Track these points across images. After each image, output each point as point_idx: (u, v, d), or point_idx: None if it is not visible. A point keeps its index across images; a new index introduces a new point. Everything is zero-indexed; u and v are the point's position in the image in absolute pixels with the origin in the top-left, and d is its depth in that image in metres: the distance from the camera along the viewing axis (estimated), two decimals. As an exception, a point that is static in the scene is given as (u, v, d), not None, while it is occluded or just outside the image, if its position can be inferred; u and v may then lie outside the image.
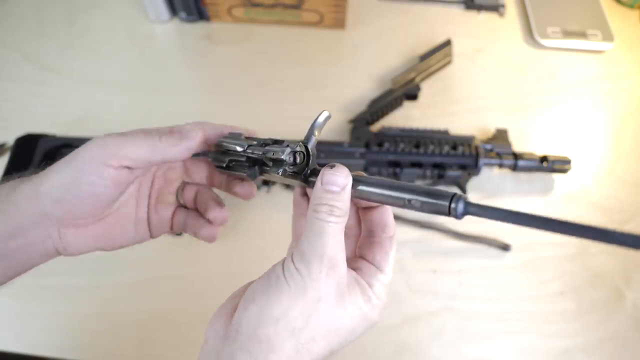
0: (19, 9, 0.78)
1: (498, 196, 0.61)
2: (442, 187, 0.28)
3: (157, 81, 0.71)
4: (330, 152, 0.59)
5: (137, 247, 0.55)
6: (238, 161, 0.32)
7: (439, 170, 0.58)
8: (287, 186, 0.59)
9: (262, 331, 0.24)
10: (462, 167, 0.59)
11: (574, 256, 0.57)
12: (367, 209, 0.30)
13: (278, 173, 0.29)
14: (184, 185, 0.38)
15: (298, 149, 0.30)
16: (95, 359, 0.50)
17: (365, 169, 0.60)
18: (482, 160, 0.58)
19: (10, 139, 0.62)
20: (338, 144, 0.59)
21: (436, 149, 0.58)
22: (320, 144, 0.59)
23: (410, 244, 0.57)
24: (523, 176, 0.62)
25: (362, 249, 0.30)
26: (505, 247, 0.56)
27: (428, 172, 0.59)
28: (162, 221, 0.36)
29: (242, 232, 0.57)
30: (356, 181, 0.27)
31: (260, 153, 0.31)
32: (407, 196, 0.25)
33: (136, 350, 0.51)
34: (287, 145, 0.29)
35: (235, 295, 0.28)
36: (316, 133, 0.30)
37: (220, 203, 0.36)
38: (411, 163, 0.59)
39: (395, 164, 0.59)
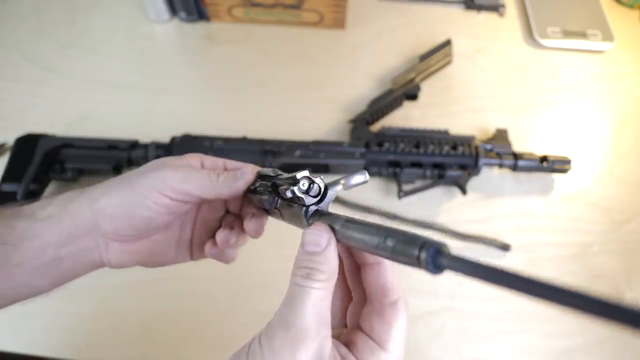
0: (19, 9, 0.78)
1: (498, 196, 0.61)
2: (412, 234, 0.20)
3: (157, 81, 0.71)
4: (330, 152, 0.59)
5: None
6: (264, 185, 0.32)
7: (439, 170, 0.58)
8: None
9: None
10: (462, 167, 0.59)
11: (574, 256, 0.57)
12: (363, 267, 0.25)
13: (286, 195, 0.27)
14: (226, 213, 0.38)
15: (318, 180, 0.27)
16: (96, 359, 0.50)
17: (366, 169, 0.60)
18: (482, 160, 0.58)
19: (10, 139, 0.62)
20: (338, 144, 0.59)
21: (436, 149, 0.58)
22: (320, 144, 0.59)
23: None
24: (523, 176, 0.62)
25: (361, 318, 0.25)
26: (505, 247, 0.56)
27: (428, 172, 0.59)
28: (204, 240, 0.37)
29: (242, 232, 0.57)
30: (340, 229, 0.24)
31: (284, 177, 0.30)
32: (376, 240, 0.21)
33: (136, 351, 0.51)
34: (307, 169, 0.27)
35: None
36: (342, 183, 0.26)
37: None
38: (411, 163, 0.59)
39: (395, 164, 0.59)
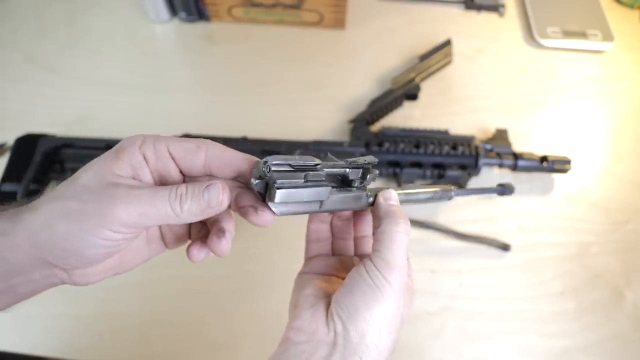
0: (19, 9, 0.78)
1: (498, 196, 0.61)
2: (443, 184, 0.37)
3: (157, 81, 0.71)
4: (330, 152, 0.59)
5: (137, 247, 0.55)
6: (313, 180, 0.28)
7: (439, 170, 0.58)
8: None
9: (370, 339, 0.27)
10: (462, 167, 0.59)
11: (574, 256, 0.57)
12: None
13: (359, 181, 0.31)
14: None
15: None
16: None
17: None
18: (482, 160, 0.58)
19: (10, 139, 0.62)
20: (338, 144, 0.59)
21: (436, 149, 0.58)
22: (320, 144, 0.59)
23: (410, 244, 0.57)
24: (523, 176, 0.62)
25: None
26: (505, 247, 0.56)
27: (428, 172, 0.59)
28: (177, 235, 0.33)
29: (241, 233, 0.57)
30: (406, 194, 0.33)
31: (344, 162, 0.30)
32: (430, 195, 0.35)
33: (136, 351, 0.51)
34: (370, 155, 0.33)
35: (313, 301, 0.30)
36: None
37: (222, 232, 0.31)
38: (411, 163, 0.59)
39: (395, 164, 0.59)
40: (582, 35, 0.74)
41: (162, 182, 0.29)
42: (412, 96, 0.66)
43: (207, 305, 0.53)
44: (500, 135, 0.61)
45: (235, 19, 0.76)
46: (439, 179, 0.59)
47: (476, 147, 0.59)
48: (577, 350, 0.51)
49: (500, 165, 0.59)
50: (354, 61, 0.73)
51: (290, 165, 0.27)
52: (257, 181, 0.27)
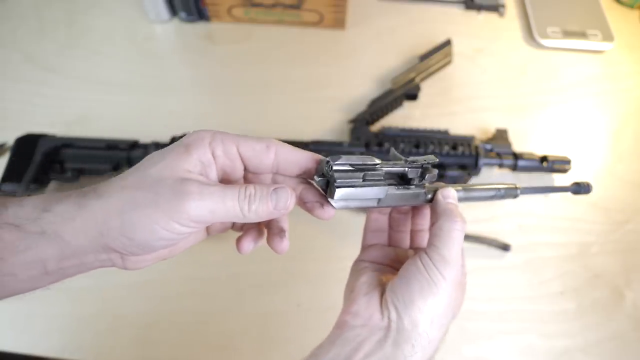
0: (19, 9, 0.78)
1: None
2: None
3: (157, 81, 0.71)
4: (330, 152, 0.59)
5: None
6: (372, 179, 0.30)
7: (439, 170, 0.58)
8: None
9: (422, 328, 0.29)
10: (462, 167, 0.59)
11: (574, 256, 0.57)
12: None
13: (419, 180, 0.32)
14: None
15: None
16: None
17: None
18: (482, 160, 0.58)
19: (10, 139, 0.62)
20: (338, 144, 0.59)
21: (436, 149, 0.58)
22: (320, 144, 0.59)
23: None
24: (523, 176, 0.62)
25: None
26: (505, 247, 0.56)
27: (428, 172, 0.58)
28: (223, 226, 0.34)
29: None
30: (467, 190, 0.34)
31: (404, 162, 0.32)
32: (492, 193, 0.36)
33: (137, 351, 0.51)
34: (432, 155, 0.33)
35: (368, 289, 0.32)
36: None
37: (282, 232, 0.34)
38: (411, 163, 0.59)
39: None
40: (582, 35, 0.74)
41: (225, 178, 0.30)
42: (412, 96, 0.66)
43: (207, 305, 0.53)
44: (500, 135, 0.61)
45: (235, 19, 0.76)
46: (439, 178, 0.59)
47: (476, 147, 0.59)
48: (577, 350, 0.51)
49: (500, 165, 0.59)
50: (354, 61, 0.73)
51: (350, 164, 0.29)
52: (320, 178, 0.29)
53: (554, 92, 0.70)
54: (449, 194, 0.33)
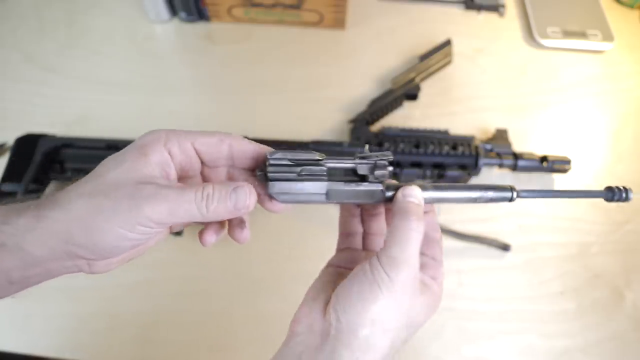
0: (19, 9, 0.78)
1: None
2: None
3: (157, 81, 0.71)
4: (330, 152, 0.58)
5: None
6: (312, 174, 0.30)
7: (439, 170, 0.58)
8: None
9: (361, 331, 0.26)
10: (462, 167, 0.59)
11: (574, 256, 0.57)
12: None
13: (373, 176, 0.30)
14: None
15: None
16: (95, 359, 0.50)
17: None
18: (482, 160, 0.58)
19: (10, 139, 0.62)
20: (338, 144, 0.59)
21: (436, 149, 0.58)
22: (320, 144, 0.59)
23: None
24: (523, 176, 0.62)
25: (422, 248, 0.32)
26: (505, 247, 0.56)
27: (428, 172, 0.59)
28: (184, 222, 0.33)
29: (242, 232, 0.57)
30: (439, 189, 0.31)
31: (354, 157, 0.30)
32: (475, 195, 0.31)
33: (136, 351, 0.51)
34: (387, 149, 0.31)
35: (317, 294, 0.30)
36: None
37: (242, 223, 0.33)
38: (411, 163, 0.59)
39: (396, 164, 0.59)
40: (582, 35, 0.74)
41: (183, 174, 0.30)
42: (412, 96, 0.66)
43: (206, 305, 0.53)
44: (500, 135, 0.61)
45: (235, 19, 0.76)
46: (438, 178, 0.59)
47: (476, 147, 0.59)
48: (577, 350, 0.51)
49: (500, 165, 0.59)
50: (354, 61, 0.73)
51: (289, 159, 0.29)
52: (260, 173, 0.30)
53: (554, 92, 0.70)
54: (411, 192, 0.30)
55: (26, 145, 0.58)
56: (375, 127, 0.64)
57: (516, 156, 0.59)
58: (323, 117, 0.66)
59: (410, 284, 0.28)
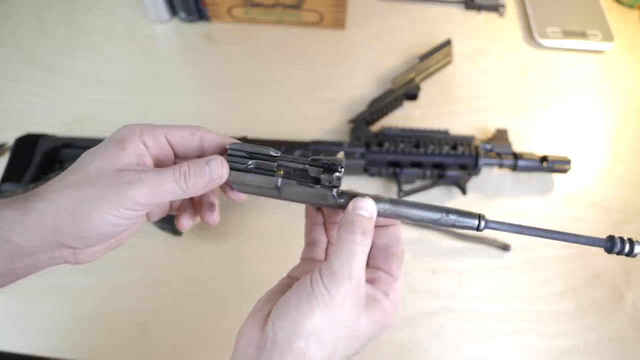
0: (19, 9, 0.78)
1: (498, 196, 0.61)
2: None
3: (157, 81, 0.71)
4: (330, 152, 0.59)
5: (136, 247, 0.55)
6: (262, 169, 0.31)
7: (439, 170, 0.58)
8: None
9: (296, 344, 0.26)
10: (462, 167, 0.59)
11: (574, 256, 0.57)
12: (383, 227, 0.33)
13: (322, 179, 0.30)
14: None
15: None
16: (94, 359, 0.50)
17: (365, 169, 0.60)
18: (482, 160, 0.58)
19: (10, 139, 0.62)
20: (338, 144, 0.59)
21: (436, 149, 0.58)
22: (319, 144, 0.59)
23: (410, 244, 0.57)
24: (523, 176, 0.62)
25: (378, 261, 0.33)
26: (505, 247, 0.56)
27: (428, 172, 0.58)
28: (161, 210, 0.36)
29: (240, 232, 0.58)
30: (396, 204, 0.30)
31: (307, 161, 0.30)
32: (436, 216, 0.30)
33: (135, 351, 0.51)
34: (342, 153, 0.32)
35: (262, 306, 0.30)
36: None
37: (212, 206, 0.35)
38: (411, 163, 0.59)
39: (395, 164, 0.59)
40: (582, 35, 0.74)
41: (158, 164, 0.32)
42: (412, 96, 0.66)
43: (205, 305, 0.53)
44: (500, 135, 0.61)
45: (235, 19, 0.76)
46: (438, 178, 0.59)
47: (476, 147, 0.59)
48: (577, 350, 0.51)
49: (500, 165, 0.59)
50: (354, 61, 0.73)
51: (246, 152, 0.31)
52: None
53: (554, 92, 0.70)
54: (362, 204, 0.29)
55: (26, 145, 0.59)
56: (375, 127, 0.64)
57: (516, 156, 0.59)
58: (323, 117, 0.66)
59: (351, 298, 0.27)
